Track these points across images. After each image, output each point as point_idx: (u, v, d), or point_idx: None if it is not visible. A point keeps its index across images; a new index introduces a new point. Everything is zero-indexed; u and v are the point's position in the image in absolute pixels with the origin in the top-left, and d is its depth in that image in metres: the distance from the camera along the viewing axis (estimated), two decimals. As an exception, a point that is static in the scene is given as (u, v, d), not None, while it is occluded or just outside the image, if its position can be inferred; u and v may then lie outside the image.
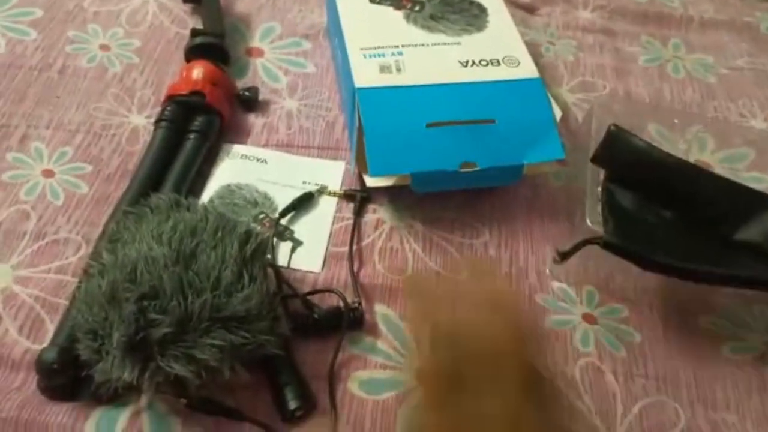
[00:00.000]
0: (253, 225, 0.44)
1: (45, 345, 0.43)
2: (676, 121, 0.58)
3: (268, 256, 0.46)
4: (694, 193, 0.49)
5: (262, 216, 0.53)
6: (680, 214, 0.48)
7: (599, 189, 0.50)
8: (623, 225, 0.45)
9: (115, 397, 0.41)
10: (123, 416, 0.42)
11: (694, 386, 0.47)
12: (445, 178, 0.51)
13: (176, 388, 0.38)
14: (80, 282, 0.42)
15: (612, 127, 0.49)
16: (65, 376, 0.40)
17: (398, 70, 0.54)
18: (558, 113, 0.55)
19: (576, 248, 0.45)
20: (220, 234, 0.41)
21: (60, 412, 0.41)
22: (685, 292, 0.52)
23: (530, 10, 0.76)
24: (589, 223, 0.47)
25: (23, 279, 0.48)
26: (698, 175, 0.50)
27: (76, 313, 0.40)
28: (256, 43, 0.67)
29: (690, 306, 0.52)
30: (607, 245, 0.44)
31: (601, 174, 0.51)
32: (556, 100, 0.57)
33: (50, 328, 0.45)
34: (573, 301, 0.51)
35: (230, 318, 0.38)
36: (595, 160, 0.49)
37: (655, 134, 0.62)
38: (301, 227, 0.53)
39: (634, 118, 0.58)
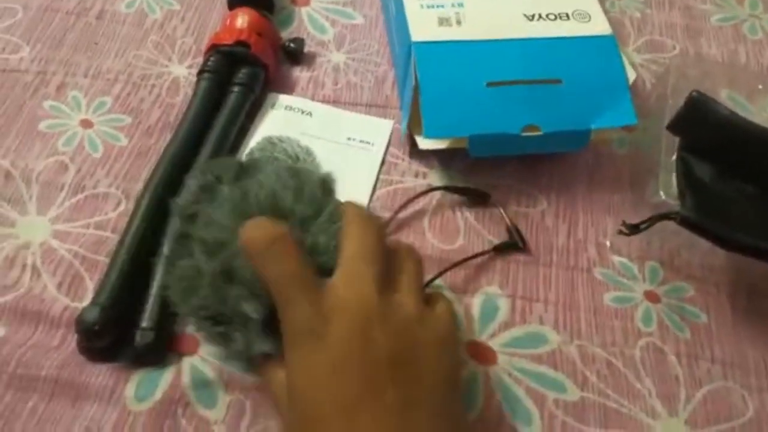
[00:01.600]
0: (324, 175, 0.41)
1: (85, 303, 0.42)
2: (760, 86, 0.53)
3: None
4: None
5: None
6: (764, 190, 0.44)
7: (673, 159, 0.46)
8: (702, 199, 0.42)
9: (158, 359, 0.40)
10: (164, 378, 0.40)
11: (765, 373, 0.44)
12: (505, 143, 0.47)
13: None
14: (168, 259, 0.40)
15: (694, 93, 0.44)
16: (107, 337, 0.38)
17: (458, 22, 0.50)
18: (632, 75, 0.50)
19: (650, 223, 0.41)
20: (313, 191, 0.38)
21: (100, 373, 0.40)
22: (756, 272, 0.48)
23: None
24: (663, 196, 0.43)
25: (62, 233, 0.46)
26: None
27: (169, 296, 0.38)
28: (301, -10, 0.63)
29: (761, 286, 0.48)
30: (684, 221, 0.40)
31: (676, 143, 0.47)
32: (623, 60, 0.53)
33: (90, 286, 0.44)
34: (635, 277, 0.48)
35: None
36: (672, 127, 0.45)
37: (729, 101, 0.57)
38: (340, 187, 0.50)
39: (711, 81, 0.54)
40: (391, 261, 0.37)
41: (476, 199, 0.50)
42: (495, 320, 0.45)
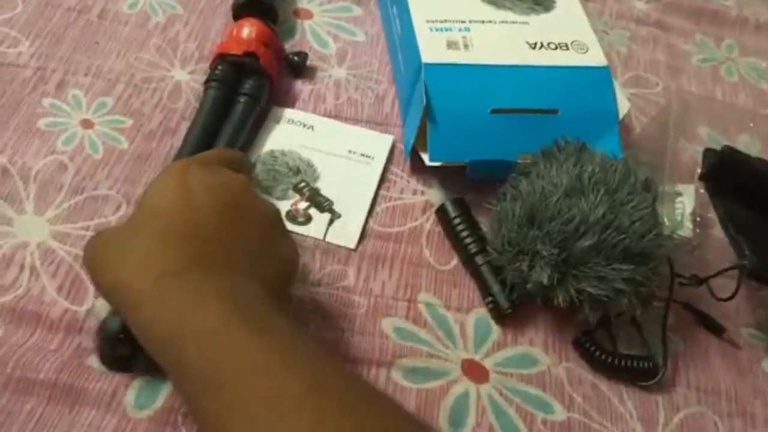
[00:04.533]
0: (648, 176, 0.47)
1: (85, 307, 0.41)
2: (751, 124, 0.57)
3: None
4: None
5: (302, 184, 0.51)
6: None
7: (675, 189, 0.50)
8: (757, 247, 0.45)
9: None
10: (165, 386, 0.40)
11: (734, 400, 0.47)
12: (503, 167, 0.49)
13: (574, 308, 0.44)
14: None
15: (725, 148, 0.48)
16: (130, 346, 0.38)
17: (465, 46, 0.51)
18: (625, 105, 0.53)
19: (716, 275, 0.45)
20: (632, 179, 0.45)
21: (99, 379, 0.40)
22: (729, 303, 0.51)
23: (585, -6, 0.73)
24: (667, 223, 0.47)
25: (61, 234, 0.46)
26: None
27: (491, 230, 0.47)
28: (304, 3, 0.64)
29: (733, 317, 0.51)
30: (752, 274, 0.44)
31: (675, 174, 0.50)
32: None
33: (90, 289, 0.43)
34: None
35: (638, 255, 0.43)
36: (706, 178, 0.49)
37: (705, 137, 0.61)
38: (340, 200, 0.51)
39: (692, 119, 0.57)
40: None
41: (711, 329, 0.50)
42: (489, 339, 0.46)
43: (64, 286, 0.43)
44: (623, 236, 0.42)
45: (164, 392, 0.40)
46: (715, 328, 0.48)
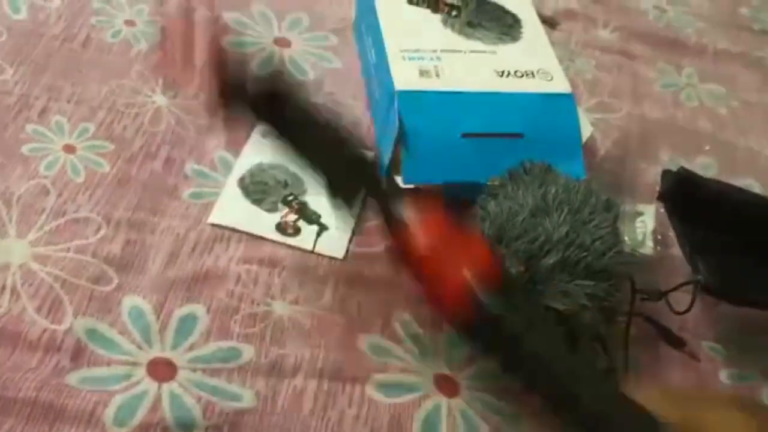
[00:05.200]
0: (609, 197, 0.49)
1: (64, 327, 0.43)
2: (707, 147, 0.60)
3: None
4: (762, 221, 0.50)
5: (290, 197, 0.53)
6: (752, 244, 0.49)
7: (636, 209, 0.53)
8: (711, 264, 0.47)
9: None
10: (144, 403, 0.41)
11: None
12: (474, 189, 0.52)
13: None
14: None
15: (681, 170, 0.51)
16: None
17: (437, 75, 0.54)
18: (588, 130, 0.56)
19: (673, 289, 0.47)
20: (594, 200, 0.47)
21: (79, 396, 0.41)
22: (686, 317, 0.54)
23: (552, 24, 0.76)
24: (628, 241, 0.50)
25: (41, 257, 0.47)
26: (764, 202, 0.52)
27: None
28: (284, 32, 0.66)
29: (692, 331, 0.53)
30: (705, 289, 0.46)
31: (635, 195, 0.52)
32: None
33: (69, 309, 0.44)
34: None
35: (600, 272, 0.44)
36: (664, 198, 0.51)
37: (667, 160, 0.64)
38: (328, 213, 0.53)
39: (654, 142, 0.61)
40: None
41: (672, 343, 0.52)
42: (461, 354, 0.48)
43: (43, 306, 0.44)
44: (585, 254, 0.45)
45: (143, 409, 0.41)
46: (675, 342, 0.50)
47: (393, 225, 0.43)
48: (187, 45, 0.42)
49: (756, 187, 0.63)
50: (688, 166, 0.62)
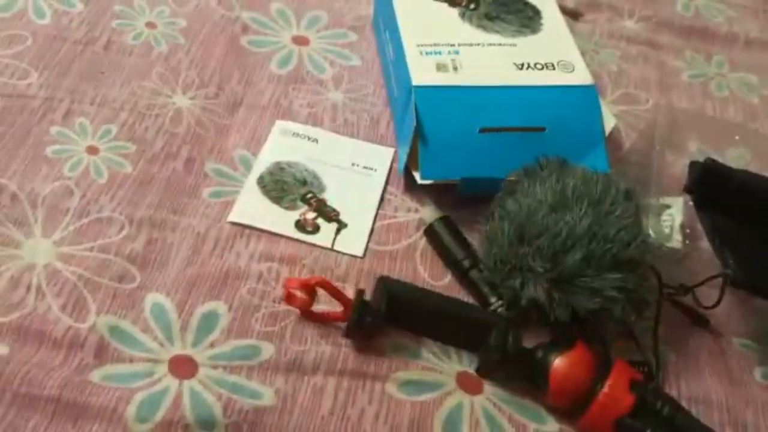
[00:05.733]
0: (629, 186, 0.48)
1: (88, 324, 0.43)
2: (737, 137, 0.58)
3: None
4: None
5: (309, 195, 0.53)
6: None
7: (660, 202, 0.51)
8: (740, 257, 0.46)
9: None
10: (166, 400, 0.41)
11: (726, 409, 0.47)
12: (493, 184, 0.51)
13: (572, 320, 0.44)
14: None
15: (708, 160, 0.49)
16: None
17: (455, 69, 0.53)
18: (611, 122, 0.54)
19: (701, 284, 0.46)
20: (614, 190, 0.46)
21: (101, 394, 0.41)
22: (717, 313, 0.52)
23: (575, 16, 0.75)
24: (652, 234, 0.48)
25: (66, 256, 0.47)
26: None
27: (482, 249, 0.49)
28: (302, 31, 0.66)
29: (723, 327, 0.52)
30: (734, 283, 0.45)
31: (662, 188, 0.51)
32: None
33: (92, 308, 0.45)
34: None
35: (627, 262, 0.43)
36: (690, 189, 0.50)
37: (695, 152, 0.62)
38: (346, 210, 0.53)
39: (683, 133, 0.59)
40: None
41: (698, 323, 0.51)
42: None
43: (67, 304, 0.45)
44: (610, 245, 0.44)
45: (164, 406, 0.41)
46: (701, 321, 0.49)
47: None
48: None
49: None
50: (718, 157, 0.60)
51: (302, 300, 0.45)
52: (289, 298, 0.46)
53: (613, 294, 0.43)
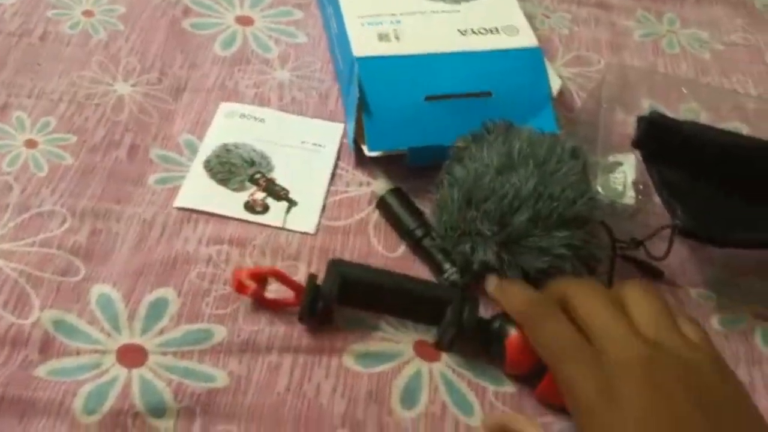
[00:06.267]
0: (576, 145, 0.48)
1: (31, 320, 0.42)
2: (684, 90, 0.58)
3: None
4: (743, 161, 0.49)
5: (257, 175, 0.52)
6: (734, 185, 0.48)
7: (610, 160, 0.50)
8: (689, 206, 0.45)
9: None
10: (113, 390, 0.41)
11: (686, 360, 0.48)
12: (441, 152, 0.50)
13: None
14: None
15: (654, 113, 0.49)
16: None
17: (397, 38, 0.52)
18: (557, 83, 0.54)
19: (652, 236, 0.45)
20: (559, 150, 0.45)
21: (47, 388, 0.40)
22: (672, 265, 0.52)
23: (525, -19, 0.74)
24: (602, 192, 0.48)
25: (6, 253, 0.46)
26: (745, 142, 0.50)
27: (433, 217, 0.48)
28: (246, 10, 0.65)
29: (680, 279, 0.52)
30: (683, 232, 0.44)
31: (610, 145, 0.51)
32: (551, 75, 0.57)
33: (35, 303, 0.44)
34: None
35: (574, 219, 0.43)
36: (638, 143, 0.49)
37: (648, 109, 0.62)
38: (296, 188, 0.52)
39: (633, 90, 0.59)
40: (631, 311, 0.39)
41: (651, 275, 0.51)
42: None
43: (9, 301, 0.44)
44: (556, 204, 0.43)
45: (112, 396, 0.40)
46: (654, 273, 0.49)
47: None
48: None
49: (744, 129, 0.61)
50: (672, 114, 0.61)
51: (253, 289, 0.44)
52: (239, 287, 0.45)
53: (562, 252, 0.43)
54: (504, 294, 0.43)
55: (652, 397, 0.34)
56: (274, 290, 0.45)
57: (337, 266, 0.44)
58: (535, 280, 0.44)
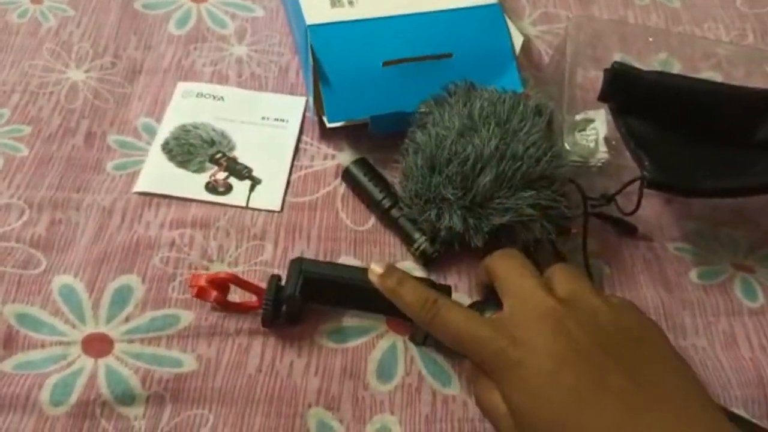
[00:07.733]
0: (540, 102, 0.47)
1: None
2: (651, 39, 0.57)
3: None
4: (711, 108, 0.48)
5: (218, 155, 0.51)
6: (702, 133, 0.47)
7: (577, 118, 0.49)
8: (657, 157, 0.44)
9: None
10: (79, 381, 0.40)
11: (663, 314, 0.47)
12: (404, 119, 0.49)
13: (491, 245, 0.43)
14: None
15: (616, 64, 0.48)
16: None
17: (350, 3, 0.51)
18: (519, 40, 0.52)
19: (621, 189, 0.44)
20: (522, 107, 0.45)
21: (12, 382, 0.40)
22: (649, 220, 0.51)
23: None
24: (568, 148, 0.47)
25: (-36, 249, 0.45)
26: (710, 89, 0.49)
27: (399, 186, 0.48)
28: (199, -12, 0.63)
29: (657, 234, 0.51)
30: (651, 184, 0.43)
31: (577, 103, 0.49)
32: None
33: (-4, 298, 0.43)
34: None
35: (539, 179, 0.43)
36: (604, 97, 0.48)
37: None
38: (259, 166, 0.51)
39: (605, 42, 0.57)
40: (553, 285, 0.38)
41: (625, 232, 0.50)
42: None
43: (-32, 298, 0.43)
44: (520, 163, 0.42)
45: (79, 386, 0.40)
46: (627, 229, 0.49)
47: None
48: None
49: (717, 77, 0.59)
50: (643, 66, 0.59)
51: (215, 296, 0.42)
52: (200, 293, 0.43)
53: (529, 212, 0.42)
54: (395, 296, 0.40)
55: (559, 340, 0.34)
56: (240, 291, 0.44)
57: (300, 265, 0.43)
58: (507, 242, 0.44)
